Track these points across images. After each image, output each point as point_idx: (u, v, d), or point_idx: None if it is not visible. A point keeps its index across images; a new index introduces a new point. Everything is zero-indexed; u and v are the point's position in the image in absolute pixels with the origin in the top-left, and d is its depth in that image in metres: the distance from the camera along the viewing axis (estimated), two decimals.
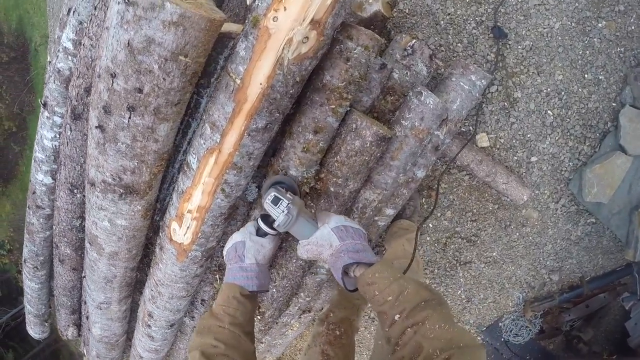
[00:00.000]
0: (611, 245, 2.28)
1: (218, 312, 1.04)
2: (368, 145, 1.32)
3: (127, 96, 1.01)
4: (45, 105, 1.60)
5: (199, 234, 1.35)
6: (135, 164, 1.19)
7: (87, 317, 1.92)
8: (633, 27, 1.84)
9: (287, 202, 1.09)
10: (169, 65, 0.93)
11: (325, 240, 1.04)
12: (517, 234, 2.24)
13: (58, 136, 1.64)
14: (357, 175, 1.39)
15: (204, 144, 1.15)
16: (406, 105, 1.48)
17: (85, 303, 1.89)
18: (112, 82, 1.00)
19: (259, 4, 0.94)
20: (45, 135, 1.65)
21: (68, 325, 2.14)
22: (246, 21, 0.99)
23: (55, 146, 1.66)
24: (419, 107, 1.44)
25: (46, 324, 2.29)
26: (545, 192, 2.11)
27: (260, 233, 1.19)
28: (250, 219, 1.51)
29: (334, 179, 1.38)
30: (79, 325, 2.20)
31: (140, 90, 0.99)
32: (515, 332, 2.52)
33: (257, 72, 0.98)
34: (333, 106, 1.20)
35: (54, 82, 1.55)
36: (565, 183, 2.09)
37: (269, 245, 1.18)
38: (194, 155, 1.21)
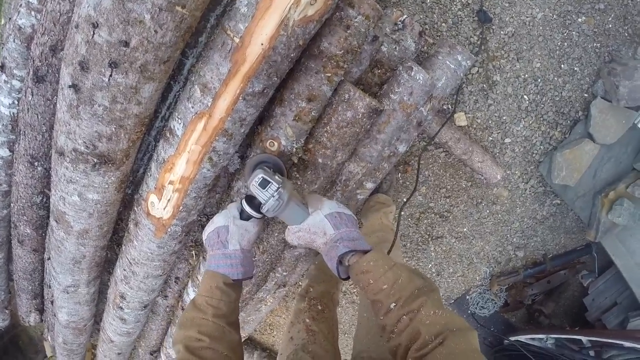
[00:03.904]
0: (573, 225, 2.43)
1: (201, 304, 0.99)
2: (360, 116, 1.30)
3: (110, 50, 0.91)
4: (2, 67, 1.44)
5: (181, 207, 1.28)
6: (113, 129, 1.09)
7: (52, 302, 1.79)
8: (610, 26, 1.94)
9: (277, 185, 1.02)
10: (163, 16, 0.84)
11: (318, 227, 1.01)
12: (488, 211, 2.33)
13: (17, 102, 1.49)
14: (346, 147, 1.37)
15: (192, 108, 1.07)
16: (395, 80, 1.46)
17: (49, 287, 1.76)
18: (93, 33, 0.89)
19: None
20: (1, 101, 1.49)
21: (30, 311, 1.99)
22: None
23: (14, 114, 1.51)
24: (409, 82, 1.43)
25: (7, 310, 2.11)
26: (516, 172, 2.20)
27: (244, 216, 1.11)
28: (232, 190, 1.44)
29: (323, 150, 1.34)
30: (41, 311, 2.05)
31: (126, 44, 0.89)
32: (482, 304, 2.65)
33: (260, 31, 0.92)
34: (329, 74, 1.16)
35: (14, 42, 1.39)
36: (536, 165, 2.19)
37: (254, 230, 1.12)
38: (178, 121, 1.13)
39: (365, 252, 0.94)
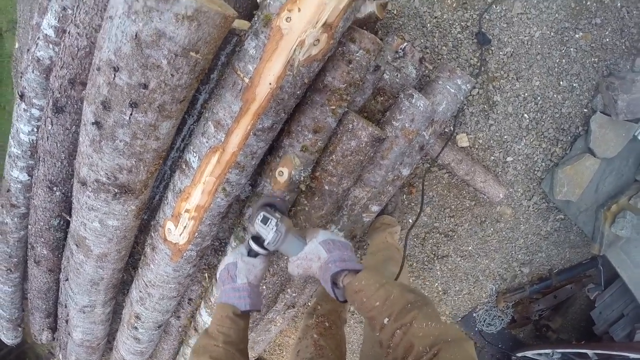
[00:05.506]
0: (578, 240, 2.44)
1: (212, 332, 1.07)
2: (363, 145, 1.35)
3: (130, 91, 0.98)
4: (22, 96, 1.51)
5: (196, 234, 1.34)
6: (133, 162, 1.16)
7: (66, 321, 1.84)
8: (607, 40, 1.97)
9: (276, 220, 1.14)
10: (178, 61, 0.91)
11: (313, 254, 1.08)
12: (492, 229, 2.36)
13: (36, 130, 1.56)
14: (351, 174, 1.43)
15: (207, 142, 1.14)
16: (397, 107, 1.52)
17: (64, 306, 1.81)
18: (114, 76, 0.96)
19: (271, 3, 0.94)
20: (21, 128, 1.56)
21: (42, 329, 2.04)
22: (255, 18, 0.99)
23: (33, 141, 1.58)
24: (410, 109, 1.49)
25: (19, 328, 2.17)
26: (519, 190, 2.23)
27: (251, 254, 1.22)
28: (243, 216, 1.50)
29: (329, 178, 1.40)
30: (53, 329, 2.10)
31: (145, 86, 0.96)
32: (489, 321, 2.66)
33: (267, 72, 0.98)
34: (333, 107, 1.22)
35: (33, 72, 1.46)
36: (538, 182, 2.22)
37: (260, 266, 1.22)
38: (194, 154, 1.19)
39: (357, 271, 0.99)
